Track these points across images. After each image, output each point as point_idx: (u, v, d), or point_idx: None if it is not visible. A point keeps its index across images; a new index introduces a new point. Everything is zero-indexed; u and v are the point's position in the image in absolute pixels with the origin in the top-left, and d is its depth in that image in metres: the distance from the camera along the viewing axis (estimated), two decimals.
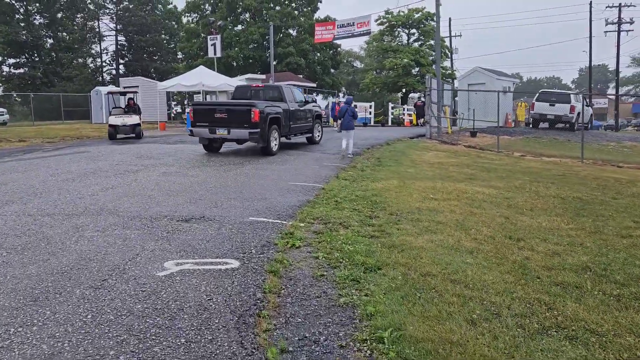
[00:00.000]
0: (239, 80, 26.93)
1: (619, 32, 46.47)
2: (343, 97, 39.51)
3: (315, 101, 22.14)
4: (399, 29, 45.50)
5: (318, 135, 17.24)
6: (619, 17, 46.25)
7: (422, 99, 31.54)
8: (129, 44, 54.36)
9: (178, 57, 55.42)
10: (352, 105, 14.72)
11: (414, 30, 45.40)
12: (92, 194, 7.79)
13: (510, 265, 4.71)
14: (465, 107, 25.42)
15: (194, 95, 30.93)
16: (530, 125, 27.09)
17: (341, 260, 4.76)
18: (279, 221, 6.27)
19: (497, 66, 36.11)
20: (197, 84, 24.04)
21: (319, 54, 45.05)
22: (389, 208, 7.11)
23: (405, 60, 41.75)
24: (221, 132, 12.74)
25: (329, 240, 5.41)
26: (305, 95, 17.83)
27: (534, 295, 3.97)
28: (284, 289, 4.05)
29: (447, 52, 44.98)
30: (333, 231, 5.81)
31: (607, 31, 47.73)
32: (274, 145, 13.49)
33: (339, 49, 46.81)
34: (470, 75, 25.76)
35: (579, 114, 24.17)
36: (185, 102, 37.28)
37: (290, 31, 46.50)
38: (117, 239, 5.27)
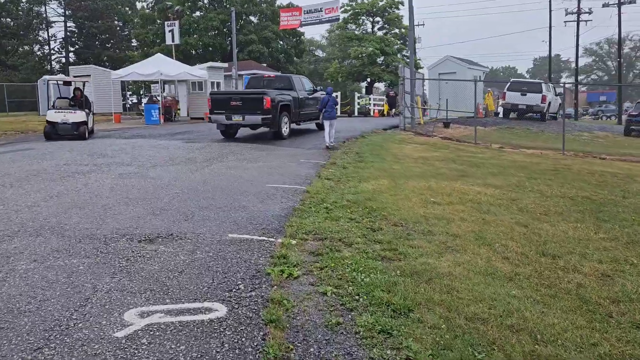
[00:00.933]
0: (200, 69, 25.35)
1: (578, 22, 47.10)
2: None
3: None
4: (363, 17, 44.53)
5: None
6: (579, 7, 46.84)
7: (394, 90, 30.79)
8: (79, 31, 51.18)
9: (133, 44, 52.66)
10: (334, 95, 14.56)
11: (378, 19, 44.55)
12: (32, 204, 6.43)
13: (568, 299, 3.78)
14: (436, 97, 24.77)
15: (152, 85, 29.11)
16: (500, 115, 26.74)
17: (357, 297, 3.71)
18: (265, 238, 5.16)
19: (456, 55, 35.74)
20: (155, 73, 22.36)
21: (281, 42, 43.58)
22: (391, 217, 6.10)
23: (370, 49, 40.90)
24: (236, 118, 14.08)
25: (333, 265, 4.36)
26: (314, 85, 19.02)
27: (623, 348, 3.04)
28: (292, 350, 2.97)
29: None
30: (334, 251, 4.75)
31: (567, 21, 48.36)
32: (285, 130, 14.67)
33: (302, 37, 45.48)
34: (441, 64, 25.09)
35: (550, 103, 23.92)
36: (142, 93, 35.15)
37: (252, 18, 44.76)
38: (60, 273, 4.04)
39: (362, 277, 4.06)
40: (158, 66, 22.80)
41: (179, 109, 26.46)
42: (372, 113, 35.82)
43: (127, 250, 4.63)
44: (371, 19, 44.77)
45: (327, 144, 13.40)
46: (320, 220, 5.85)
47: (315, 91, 17.06)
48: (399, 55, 42.46)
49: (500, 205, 7.03)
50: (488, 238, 5.32)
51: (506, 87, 23.76)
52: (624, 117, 44.02)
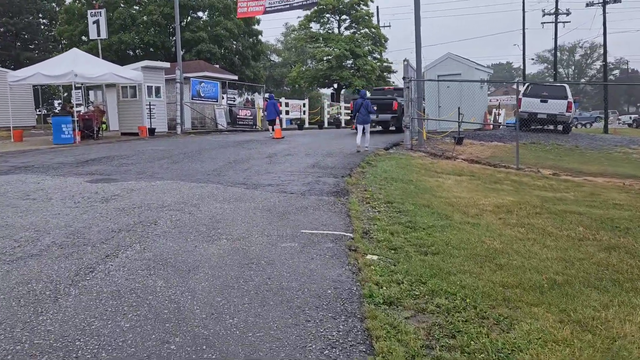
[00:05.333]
0: (133, 70, 19.42)
1: (556, 23, 43.99)
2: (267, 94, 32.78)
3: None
4: (327, 14, 39.51)
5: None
6: (556, 8, 43.73)
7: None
8: None
9: (62, 45, 45.45)
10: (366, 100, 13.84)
11: (345, 17, 39.63)
12: None
13: None
14: (434, 105, 19.91)
15: (73, 92, 22.81)
16: (503, 126, 22.17)
17: None
18: None
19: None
20: (67, 74, 16.34)
21: (235, 43, 37.84)
22: None
23: (338, 50, 35.92)
24: (372, 116, 15.58)
25: None
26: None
27: None
28: None
29: (382, 41, 39.68)
30: None
31: (544, 22, 45.25)
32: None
33: (260, 36, 39.85)
34: (440, 65, 20.28)
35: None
36: (58, 103, 28.57)
37: (201, 14, 38.77)
38: None
39: None
40: (72, 65, 16.79)
41: (105, 122, 20.42)
42: (343, 124, 30.76)
43: None
44: (337, 17, 39.81)
45: (358, 148, 13.36)
46: None
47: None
48: (369, 58, 37.68)
49: None
50: None
51: (522, 92, 19.19)
52: (615, 125, 41.06)
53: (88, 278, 4.11)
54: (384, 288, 4.03)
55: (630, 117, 52.14)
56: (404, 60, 14.23)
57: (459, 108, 16.25)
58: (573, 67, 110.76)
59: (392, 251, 5.04)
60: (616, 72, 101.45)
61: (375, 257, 4.84)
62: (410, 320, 3.52)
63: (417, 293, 3.97)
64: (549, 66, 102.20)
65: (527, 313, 3.63)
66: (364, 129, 13.48)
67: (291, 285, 4.01)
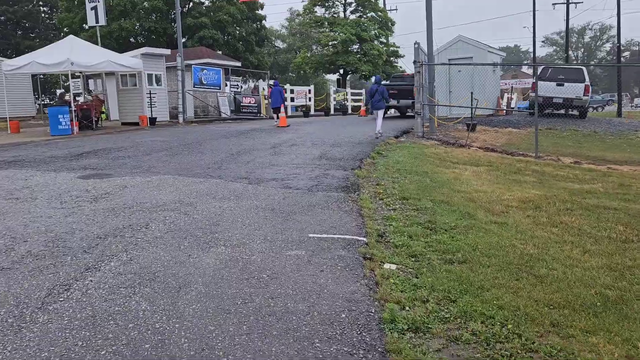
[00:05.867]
0: (132, 57, 18.76)
1: (567, 4, 42.73)
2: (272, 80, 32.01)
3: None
4: None
5: None
6: None
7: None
8: None
9: (62, 33, 44.73)
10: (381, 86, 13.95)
11: (350, 0, 38.59)
12: None
13: None
14: (445, 90, 19.14)
15: (72, 81, 22.24)
16: (529, 112, 21.28)
17: None
18: None
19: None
20: (63, 62, 15.70)
21: (239, 28, 36.96)
22: None
23: (344, 34, 35.01)
24: (393, 102, 19.32)
25: None
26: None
27: None
28: None
29: (389, 25, 38.68)
30: None
31: (555, 3, 44.07)
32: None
33: (264, 21, 38.91)
34: (450, 48, 19.44)
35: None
36: (58, 92, 28.07)
37: None
38: None
39: None
40: (69, 53, 16.15)
41: (104, 112, 19.83)
42: (349, 110, 30.07)
43: None
44: (342, 1, 38.78)
45: (377, 135, 13.43)
46: None
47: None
48: (376, 42, 36.74)
49: None
50: None
51: (537, 75, 18.34)
52: (627, 108, 39.89)
53: (61, 299, 3.52)
54: (408, 309, 3.43)
55: None
56: (414, 43, 13.48)
57: (472, 93, 15.48)
58: (582, 50, 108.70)
59: (413, 259, 4.43)
60: (626, 53, 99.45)
61: (393, 267, 4.23)
62: (443, 353, 2.91)
63: (446, 315, 3.36)
64: (558, 49, 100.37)
65: (584, 345, 3.00)
66: (377, 114, 14.00)
67: (298, 307, 3.40)
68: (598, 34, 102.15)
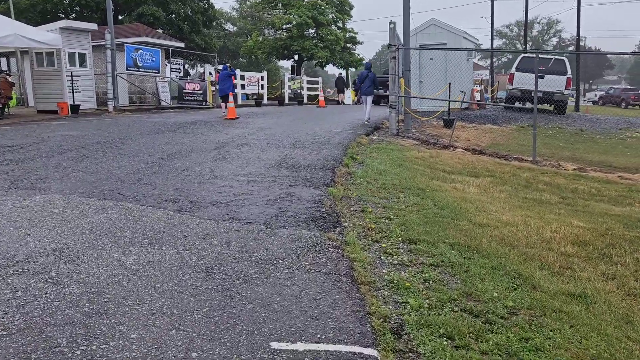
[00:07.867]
0: (48, 31, 15.62)
1: None
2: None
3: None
4: None
5: None
6: None
7: (341, 72, 23.47)
8: None
9: None
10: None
11: None
12: None
13: None
14: (415, 80, 17.16)
15: None
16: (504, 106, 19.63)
17: None
18: None
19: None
20: None
21: (184, 6, 33.59)
22: None
23: (299, 17, 32.50)
24: (381, 92, 18.06)
25: None
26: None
27: None
28: None
29: (347, 9, 36.42)
30: None
31: None
32: None
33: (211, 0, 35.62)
34: (422, 33, 17.42)
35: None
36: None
37: None
38: None
39: None
40: None
41: (12, 97, 16.60)
42: (319, 102, 27.80)
43: None
44: None
45: (365, 122, 13.07)
46: None
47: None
48: (333, 27, 34.46)
49: None
50: None
51: (515, 66, 16.70)
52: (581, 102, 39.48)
53: None
54: None
55: (596, 95, 51.33)
56: (390, 23, 11.28)
57: (449, 84, 13.54)
58: (530, 43, 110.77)
59: None
60: (571, 48, 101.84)
61: None
62: None
63: None
64: (507, 42, 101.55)
65: None
66: (365, 101, 13.59)
67: None
68: (545, 27, 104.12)
